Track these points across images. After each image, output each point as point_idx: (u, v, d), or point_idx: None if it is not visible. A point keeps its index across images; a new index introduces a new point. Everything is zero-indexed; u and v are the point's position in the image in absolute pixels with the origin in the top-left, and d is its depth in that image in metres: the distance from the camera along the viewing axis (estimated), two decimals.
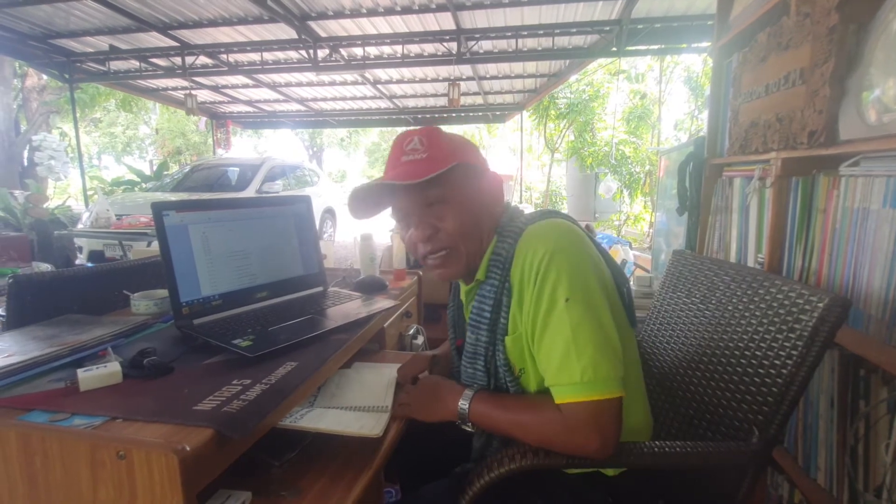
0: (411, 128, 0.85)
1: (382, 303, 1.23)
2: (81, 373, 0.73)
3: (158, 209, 0.97)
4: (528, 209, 0.93)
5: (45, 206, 5.73)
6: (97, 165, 17.21)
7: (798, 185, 1.15)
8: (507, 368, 0.80)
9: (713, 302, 1.01)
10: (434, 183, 0.76)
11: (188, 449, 0.56)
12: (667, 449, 0.75)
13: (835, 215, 1.03)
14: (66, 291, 1.13)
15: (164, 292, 1.13)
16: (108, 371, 0.75)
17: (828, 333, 0.74)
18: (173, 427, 0.62)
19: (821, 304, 0.75)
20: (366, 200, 0.85)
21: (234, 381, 0.76)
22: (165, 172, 8.49)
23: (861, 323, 0.94)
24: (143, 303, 1.12)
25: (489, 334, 0.81)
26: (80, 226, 4.79)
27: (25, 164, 8.95)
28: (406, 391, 0.92)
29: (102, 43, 5.74)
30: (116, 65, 6.45)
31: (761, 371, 0.82)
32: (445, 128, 0.88)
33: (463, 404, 0.79)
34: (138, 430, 0.61)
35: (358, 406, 0.93)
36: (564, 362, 0.70)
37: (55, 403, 0.68)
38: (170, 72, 6.41)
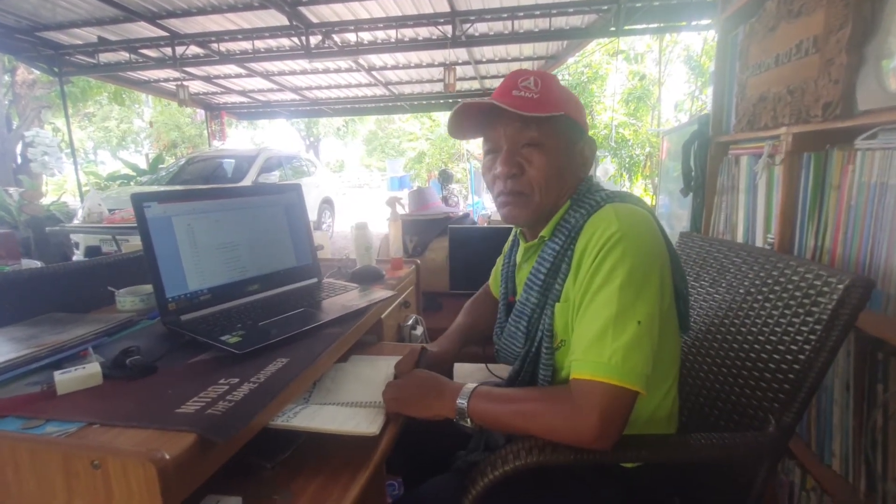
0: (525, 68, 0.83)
1: (379, 293, 1.19)
2: (58, 375, 0.69)
3: (139, 200, 0.92)
4: None
5: (40, 202, 5.67)
6: (94, 160, 17.09)
7: (810, 161, 1.10)
8: (550, 336, 0.78)
9: (723, 285, 0.96)
10: (536, 124, 0.77)
11: (167, 457, 0.52)
12: (680, 442, 0.71)
13: (850, 191, 0.98)
14: (49, 289, 1.09)
15: (150, 287, 1.09)
16: (86, 373, 0.71)
17: (849, 317, 0.70)
18: (153, 432, 0.58)
19: (841, 286, 0.71)
20: (468, 120, 0.85)
21: (221, 381, 0.72)
22: (161, 166, 8.39)
23: (879, 303, 0.90)
24: (128, 299, 1.07)
25: (539, 297, 0.80)
26: (75, 221, 4.74)
27: (19, 160, 8.86)
28: (392, 385, 0.87)
29: (91, 35, 5.61)
30: (106, 57, 6.32)
31: (777, 357, 0.78)
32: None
33: (461, 401, 0.75)
34: (115, 436, 0.57)
35: (354, 402, 0.89)
36: (598, 339, 0.68)
37: (30, 409, 0.64)
38: (160, 62, 6.28)
